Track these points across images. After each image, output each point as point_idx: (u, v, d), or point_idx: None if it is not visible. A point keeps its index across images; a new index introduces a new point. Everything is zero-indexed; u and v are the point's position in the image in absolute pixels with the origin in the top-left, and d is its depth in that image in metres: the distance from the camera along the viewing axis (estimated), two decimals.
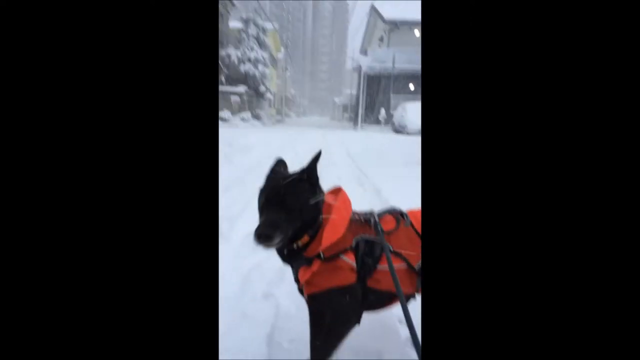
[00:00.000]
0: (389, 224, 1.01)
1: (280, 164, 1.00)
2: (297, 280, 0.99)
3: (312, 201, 0.90)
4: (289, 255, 0.95)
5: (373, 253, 0.94)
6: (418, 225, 1.03)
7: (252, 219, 2.47)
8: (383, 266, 0.93)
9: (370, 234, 0.97)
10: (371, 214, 1.01)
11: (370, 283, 0.94)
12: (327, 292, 0.91)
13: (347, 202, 1.00)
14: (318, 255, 0.90)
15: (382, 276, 0.94)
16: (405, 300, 0.79)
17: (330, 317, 0.95)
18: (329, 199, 0.97)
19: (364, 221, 1.00)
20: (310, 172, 0.92)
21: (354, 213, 1.01)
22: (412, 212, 1.07)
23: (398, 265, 0.94)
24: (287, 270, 1.72)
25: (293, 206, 0.86)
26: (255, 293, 1.52)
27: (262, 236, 0.80)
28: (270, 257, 1.86)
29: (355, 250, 0.94)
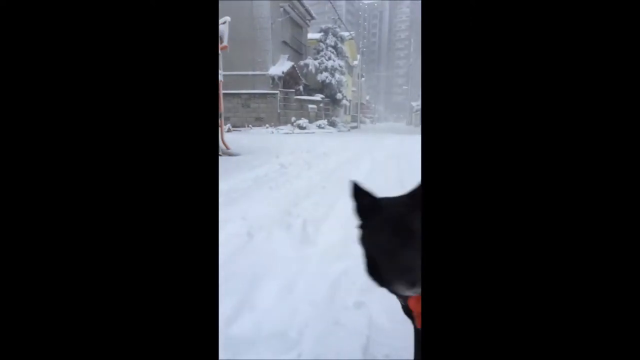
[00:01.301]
0: None
1: (359, 188, 0.78)
2: (406, 308, 0.84)
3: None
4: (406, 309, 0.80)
5: None
6: None
7: (336, 224, 2.47)
8: None
9: None
10: None
11: None
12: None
13: None
14: None
15: None
16: None
17: None
18: None
19: None
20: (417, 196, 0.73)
21: None
22: None
23: None
24: None
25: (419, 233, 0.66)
26: (347, 301, 1.48)
27: (415, 283, 0.66)
28: (357, 264, 1.81)
29: None
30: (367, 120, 37.03)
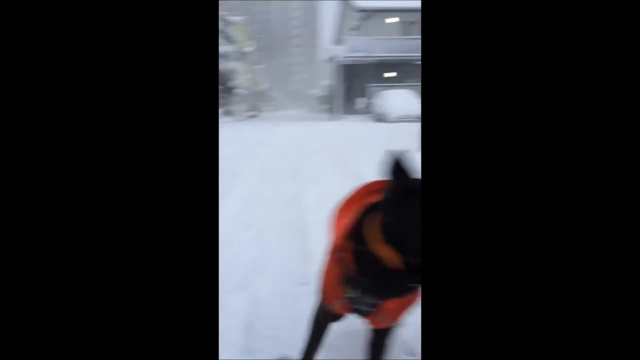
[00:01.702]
0: None
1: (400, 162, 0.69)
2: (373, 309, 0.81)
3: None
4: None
5: None
6: None
7: (226, 213, 2.42)
8: None
9: None
10: None
11: None
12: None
13: None
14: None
15: None
16: None
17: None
18: None
19: None
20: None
21: None
22: None
23: None
24: (265, 261, 1.69)
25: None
26: (230, 284, 1.48)
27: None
28: (245, 249, 1.82)
29: None
30: (267, 109, 36.71)
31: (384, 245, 0.70)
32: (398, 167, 0.68)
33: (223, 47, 17.05)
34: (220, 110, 15.60)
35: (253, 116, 22.06)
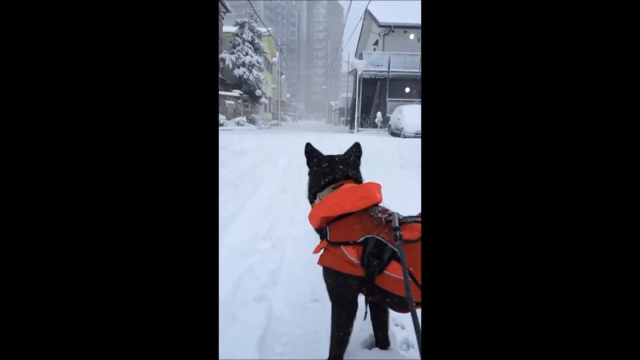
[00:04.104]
0: (413, 233, 0.90)
1: (310, 145, 1.18)
2: None
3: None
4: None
5: (381, 256, 0.92)
6: None
7: (245, 222, 2.46)
8: (390, 273, 0.90)
9: (387, 237, 0.92)
10: (394, 216, 0.94)
11: (378, 282, 0.93)
12: (327, 269, 0.99)
13: (364, 193, 1.00)
14: (326, 236, 0.99)
15: (390, 280, 0.91)
16: (415, 313, 0.71)
17: (329, 293, 1.02)
18: (347, 184, 1.05)
19: (385, 222, 0.95)
20: (350, 154, 1.16)
21: (379, 211, 0.99)
22: None
23: (402, 278, 0.86)
24: (280, 273, 1.71)
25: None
26: (247, 296, 1.49)
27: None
28: (263, 260, 1.84)
29: (364, 245, 0.93)
30: (288, 118, 37.20)
31: None
32: (309, 148, 1.16)
33: (250, 57, 17.52)
34: (242, 118, 15.94)
35: (275, 125, 22.40)
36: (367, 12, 18.27)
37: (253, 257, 1.88)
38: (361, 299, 1.02)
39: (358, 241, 0.94)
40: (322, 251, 1.01)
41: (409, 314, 0.88)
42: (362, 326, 1.16)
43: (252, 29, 17.98)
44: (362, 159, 1.23)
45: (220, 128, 13.27)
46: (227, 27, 18.46)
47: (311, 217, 1.06)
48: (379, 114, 14.17)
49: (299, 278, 1.66)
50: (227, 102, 15.89)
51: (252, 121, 17.29)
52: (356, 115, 15.61)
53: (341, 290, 0.99)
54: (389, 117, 14.23)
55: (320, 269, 1.03)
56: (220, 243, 2.03)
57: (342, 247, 0.95)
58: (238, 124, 15.21)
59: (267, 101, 22.13)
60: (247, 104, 18.32)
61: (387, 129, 13.89)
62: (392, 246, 0.91)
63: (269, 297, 1.49)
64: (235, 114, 16.36)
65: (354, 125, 16.20)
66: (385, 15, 17.10)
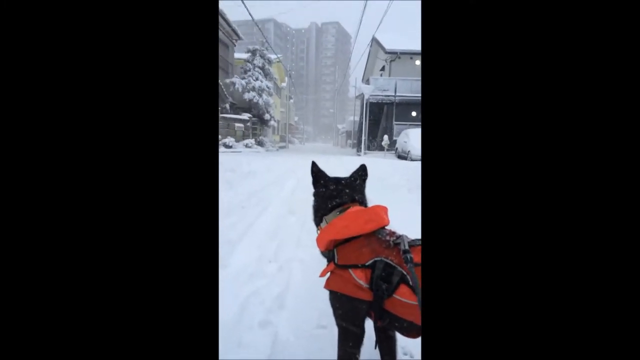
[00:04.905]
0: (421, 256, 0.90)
1: (316, 165, 1.20)
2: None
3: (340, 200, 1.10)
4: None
5: (390, 279, 0.90)
6: None
7: (252, 244, 2.45)
8: (400, 297, 0.89)
9: (395, 260, 0.92)
10: (402, 239, 0.94)
11: (387, 306, 0.92)
12: (334, 293, 0.98)
13: (371, 216, 1.00)
14: (334, 260, 0.98)
15: (399, 304, 0.89)
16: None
17: (336, 319, 1.00)
18: (354, 207, 1.06)
19: (393, 245, 0.95)
20: (356, 177, 1.17)
21: (386, 233, 0.99)
22: None
23: (413, 302, 0.86)
24: (286, 297, 1.68)
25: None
26: (253, 321, 1.47)
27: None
28: (269, 284, 1.82)
29: (372, 269, 0.92)
30: (296, 141, 37.71)
31: None
32: (315, 168, 1.18)
33: (260, 82, 18.04)
34: (251, 141, 16.21)
35: (283, 147, 22.68)
36: (374, 40, 18.85)
37: (259, 280, 1.86)
38: (368, 324, 0.99)
39: (367, 264, 0.93)
40: (328, 275, 1.00)
41: (418, 340, 0.85)
42: (370, 354, 1.13)
43: (262, 56, 18.60)
44: (369, 181, 1.24)
45: (229, 150, 13.47)
46: (239, 54, 19.15)
47: (319, 240, 1.06)
48: (385, 137, 14.29)
49: (306, 303, 1.63)
50: (237, 124, 16.21)
51: (260, 143, 17.54)
52: (363, 138, 15.76)
53: (349, 315, 0.97)
54: (395, 140, 14.34)
55: (327, 293, 1.01)
56: (227, 265, 2.02)
57: (350, 270, 0.94)
58: (246, 146, 15.44)
59: (275, 124, 22.54)
60: (256, 126, 18.67)
61: (394, 151, 13.95)
62: (401, 269, 0.90)
63: (275, 323, 1.46)
64: (244, 136, 16.64)
65: (361, 148, 16.32)
66: (392, 42, 17.62)
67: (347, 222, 1.00)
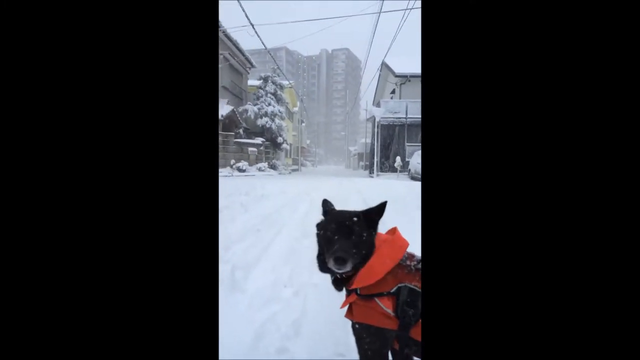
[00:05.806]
0: None
1: (328, 204, 1.10)
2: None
3: (366, 237, 0.97)
4: (335, 283, 1.02)
5: (416, 305, 0.89)
6: None
7: (266, 268, 2.44)
8: None
9: (419, 285, 0.90)
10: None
11: (412, 333, 0.90)
12: (361, 325, 0.95)
13: (397, 245, 0.99)
14: (356, 290, 0.94)
15: None
16: None
17: (362, 351, 0.97)
18: (381, 237, 1.02)
19: (415, 270, 0.94)
20: (372, 213, 1.02)
21: (408, 258, 0.98)
22: None
23: None
24: (303, 323, 1.65)
25: (359, 239, 0.95)
26: (270, 348, 1.44)
27: (339, 260, 0.89)
28: (284, 309, 1.79)
29: (396, 295, 0.91)
30: (308, 163, 38.04)
31: None
32: (326, 204, 1.09)
33: (273, 108, 18.54)
34: (264, 164, 16.45)
35: (295, 170, 22.90)
36: (384, 64, 19.27)
37: (275, 306, 1.84)
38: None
39: (392, 291, 0.91)
40: (347, 306, 0.98)
41: None
42: None
43: (274, 82, 19.22)
44: (388, 205, 1.23)
45: (242, 174, 13.69)
46: (252, 81, 19.83)
47: (358, 284, 0.96)
48: (398, 158, 14.29)
49: (322, 330, 1.59)
50: (250, 149, 16.54)
51: (273, 167, 17.78)
52: (375, 159, 15.79)
53: (377, 346, 0.94)
54: (408, 162, 14.31)
55: (344, 321, 0.99)
56: (244, 289, 2.01)
57: (377, 299, 0.92)
58: (260, 169, 15.67)
59: (288, 147, 22.89)
60: (268, 150, 19.01)
61: (407, 173, 13.90)
62: None
63: (292, 350, 1.43)
64: (258, 160, 16.93)
65: (373, 170, 16.32)
66: (401, 66, 17.94)
67: (382, 260, 0.95)
